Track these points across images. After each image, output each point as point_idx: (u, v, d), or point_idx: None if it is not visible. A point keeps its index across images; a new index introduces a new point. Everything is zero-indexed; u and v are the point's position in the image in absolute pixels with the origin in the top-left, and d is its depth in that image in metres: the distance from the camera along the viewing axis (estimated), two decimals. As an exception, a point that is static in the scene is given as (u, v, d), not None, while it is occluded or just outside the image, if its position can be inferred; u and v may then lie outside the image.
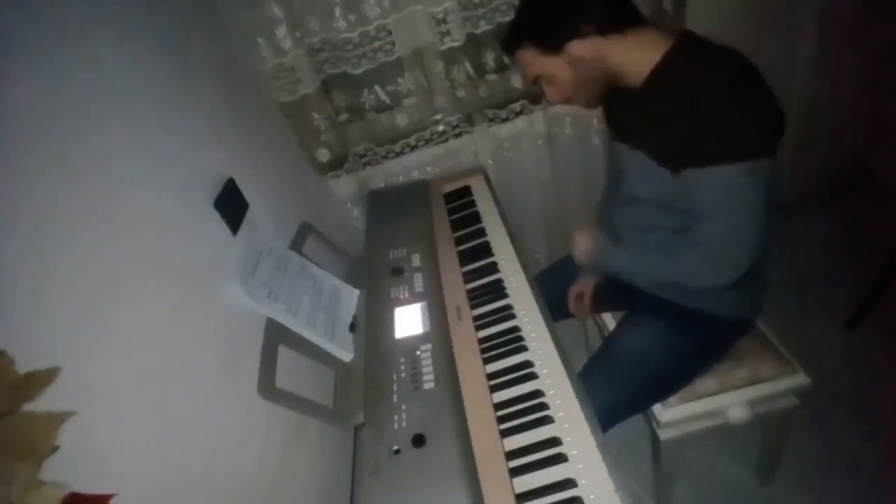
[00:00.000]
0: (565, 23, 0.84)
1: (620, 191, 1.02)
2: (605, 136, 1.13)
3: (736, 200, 0.79)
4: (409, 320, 0.99)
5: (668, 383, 1.02)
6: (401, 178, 1.52)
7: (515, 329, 0.98)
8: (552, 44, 0.86)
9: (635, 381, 0.99)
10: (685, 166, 0.81)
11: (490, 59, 1.41)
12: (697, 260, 0.88)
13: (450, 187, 1.41)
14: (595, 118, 1.53)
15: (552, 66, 0.88)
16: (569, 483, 0.74)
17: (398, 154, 1.48)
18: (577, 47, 0.84)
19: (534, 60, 0.90)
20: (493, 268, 1.13)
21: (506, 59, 0.90)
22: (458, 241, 1.22)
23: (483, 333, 1.00)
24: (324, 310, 0.99)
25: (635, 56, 0.84)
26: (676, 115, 0.79)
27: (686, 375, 1.03)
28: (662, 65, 0.82)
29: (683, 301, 0.98)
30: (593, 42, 0.84)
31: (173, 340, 0.66)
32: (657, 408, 1.04)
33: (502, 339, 0.98)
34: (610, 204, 1.11)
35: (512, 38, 0.92)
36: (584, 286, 1.18)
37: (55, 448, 0.45)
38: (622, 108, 0.97)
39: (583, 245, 1.07)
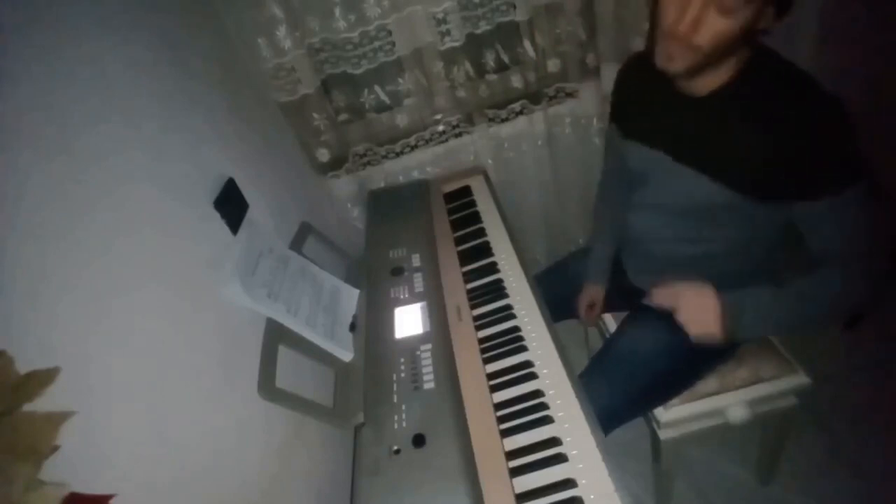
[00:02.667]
0: None
1: (642, 196, 0.97)
2: (609, 132, 1.08)
3: (862, 219, 0.77)
4: (409, 320, 0.99)
5: (670, 385, 1.02)
6: (401, 178, 1.52)
7: (515, 329, 0.98)
8: None
9: (637, 383, 0.98)
10: (793, 198, 0.77)
11: (490, 59, 1.41)
12: (847, 278, 0.79)
13: (450, 187, 1.41)
14: (595, 118, 1.53)
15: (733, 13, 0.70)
16: (569, 483, 0.74)
17: (398, 154, 1.48)
18: (764, 18, 0.73)
19: None
20: (493, 268, 1.13)
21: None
22: (458, 241, 1.22)
23: (483, 333, 1.00)
24: (324, 310, 0.99)
25: (730, 61, 0.77)
26: (769, 145, 0.75)
27: (688, 378, 1.02)
28: (741, 79, 0.77)
29: None
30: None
31: (173, 340, 0.66)
32: (657, 408, 1.04)
33: (502, 339, 0.98)
34: (623, 205, 1.05)
35: None
36: (594, 294, 1.17)
37: (55, 448, 0.45)
38: (652, 107, 0.89)
39: (703, 310, 0.83)
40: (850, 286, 0.79)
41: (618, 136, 1.01)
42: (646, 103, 0.91)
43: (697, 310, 0.83)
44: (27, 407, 0.44)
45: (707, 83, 0.80)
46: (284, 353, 0.85)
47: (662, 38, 0.76)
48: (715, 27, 0.71)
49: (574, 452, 0.78)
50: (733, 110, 0.78)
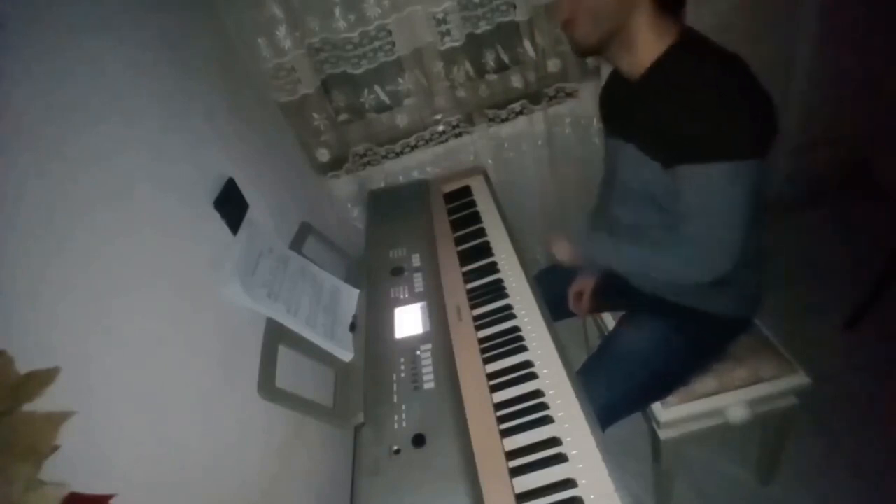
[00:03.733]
0: None
1: (615, 186, 1.02)
2: (602, 133, 1.14)
3: (721, 199, 0.79)
4: (409, 320, 0.99)
5: (666, 382, 1.02)
6: (401, 178, 1.52)
7: (515, 329, 0.98)
8: None
9: (634, 380, 0.99)
10: (676, 162, 0.81)
11: (490, 59, 1.41)
12: (679, 256, 0.88)
13: (450, 187, 1.41)
14: (595, 118, 1.53)
15: None
16: (569, 483, 0.74)
17: (398, 154, 1.49)
18: None
19: None
20: (493, 268, 1.13)
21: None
22: (458, 241, 1.22)
23: (483, 333, 1.00)
24: (324, 310, 0.99)
25: (647, 40, 0.83)
26: (670, 110, 0.80)
27: (684, 374, 1.03)
28: (664, 59, 0.83)
29: (680, 300, 0.98)
30: None
31: (173, 340, 0.66)
32: (657, 408, 1.04)
33: (502, 339, 0.98)
34: (607, 199, 1.10)
35: None
36: (583, 285, 1.18)
37: (55, 448, 0.45)
38: (617, 101, 0.98)
39: (562, 250, 1.09)
40: (677, 271, 0.91)
41: (604, 136, 1.08)
42: (615, 101, 1.00)
43: (558, 250, 1.09)
44: (27, 407, 0.44)
45: (635, 64, 0.86)
46: (284, 353, 0.85)
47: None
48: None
49: (574, 452, 0.78)
50: (656, 86, 0.84)
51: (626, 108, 0.93)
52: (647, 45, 0.83)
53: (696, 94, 0.78)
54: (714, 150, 0.77)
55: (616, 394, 0.97)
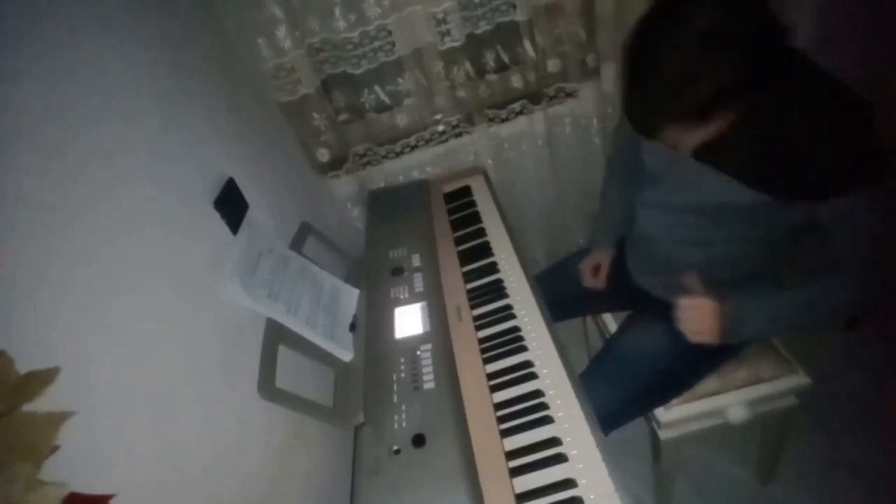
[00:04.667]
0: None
1: (654, 195, 0.96)
2: (621, 124, 1.07)
3: (871, 217, 0.75)
4: (409, 320, 0.99)
5: (670, 386, 1.02)
6: (401, 178, 1.52)
7: (515, 329, 0.98)
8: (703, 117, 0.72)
9: (638, 384, 0.98)
10: (815, 196, 0.76)
11: (490, 59, 1.41)
12: (837, 282, 0.82)
13: (450, 187, 1.41)
14: (595, 118, 1.53)
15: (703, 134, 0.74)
16: (569, 483, 0.74)
17: (398, 154, 1.48)
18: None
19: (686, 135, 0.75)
20: (493, 268, 1.13)
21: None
22: (458, 241, 1.22)
23: (483, 333, 1.00)
24: (324, 310, 0.99)
25: None
26: (788, 139, 0.75)
27: (689, 378, 1.02)
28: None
29: None
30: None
31: (173, 340, 0.66)
32: (658, 408, 1.04)
33: (502, 339, 0.98)
34: (629, 204, 1.04)
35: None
36: (600, 257, 1.16)
37: (55, 448, 0.45)
38: None
39: (707, 317, 0.85)
40: (857, 294, 0.82)
41: (632, 132, 1.00)
42: None
43: (695, 320, 0.87)
44: (27, 407, 0.44)
45: None
46: (284, 353, 0.85)
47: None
48: (696, 138, 0.74)
49: (574, 452, 0.78)
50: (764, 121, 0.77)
51: None
52: None
53: (823, 125, 0.74)
54: (861, 177, 0.73)
55: (619, 397, 0.96)
